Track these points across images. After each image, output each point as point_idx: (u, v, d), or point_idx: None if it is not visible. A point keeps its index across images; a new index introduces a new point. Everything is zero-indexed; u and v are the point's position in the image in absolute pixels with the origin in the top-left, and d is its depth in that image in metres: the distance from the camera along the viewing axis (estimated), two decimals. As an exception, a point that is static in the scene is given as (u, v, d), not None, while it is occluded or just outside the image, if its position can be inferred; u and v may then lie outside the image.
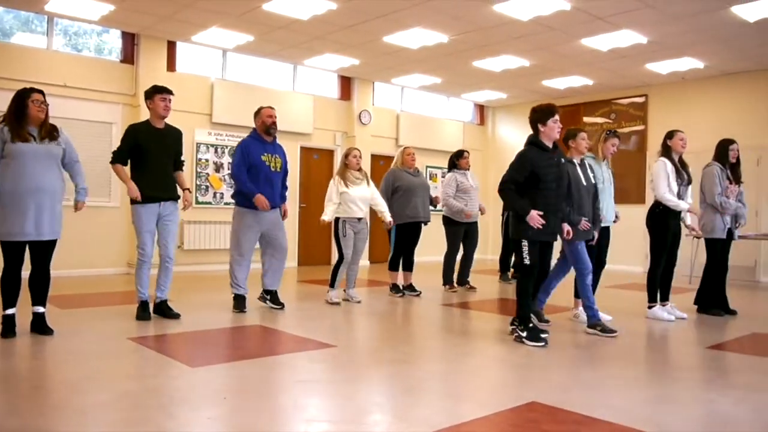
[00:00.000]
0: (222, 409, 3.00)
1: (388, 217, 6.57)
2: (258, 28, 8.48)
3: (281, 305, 5.98)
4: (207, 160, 9.74)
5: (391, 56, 9.75)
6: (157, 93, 5.22)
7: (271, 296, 6.04)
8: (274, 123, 5.86)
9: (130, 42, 9.05)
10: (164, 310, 5.36)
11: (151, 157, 5.17)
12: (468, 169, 7.62)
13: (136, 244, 5.25)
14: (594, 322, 5.04)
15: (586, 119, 11.97)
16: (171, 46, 9.34)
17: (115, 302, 6.17)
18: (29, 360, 3.96)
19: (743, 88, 10.13)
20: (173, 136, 5.40)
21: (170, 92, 5.28)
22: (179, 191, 5.37)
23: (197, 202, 9.57)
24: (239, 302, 5.81)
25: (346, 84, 11.53)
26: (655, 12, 7.38)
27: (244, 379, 3.55)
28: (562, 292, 5.92)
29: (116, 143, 8.81)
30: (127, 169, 5.24)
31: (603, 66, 9.95)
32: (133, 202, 5.11)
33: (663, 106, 11.03)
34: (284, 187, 6.03)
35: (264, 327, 5.16)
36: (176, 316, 5.32)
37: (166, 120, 5.34)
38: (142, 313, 5.26)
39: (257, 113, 5.93)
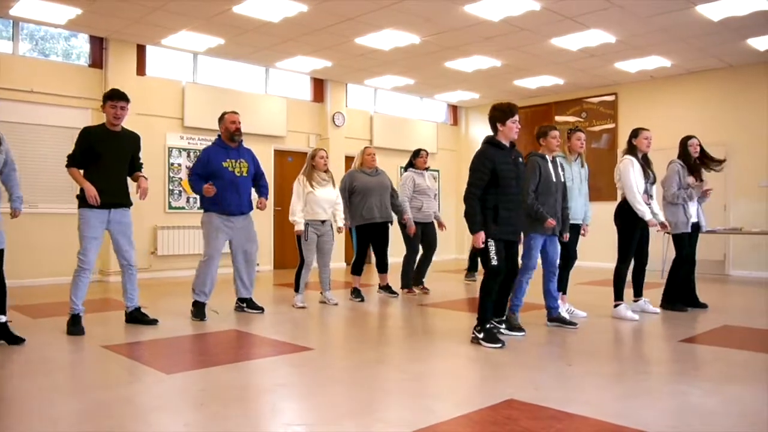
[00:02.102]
0: (199, 416, 2.97)
1: (340, 222, 6.51)
2: (229, 30, 8.42)
3: (260, 309, 5.93)
4: (179, 165, 9.64)
5: (364, 58, 9.75)
6: (108, 99, 5.03)
7: (247, 303, 5.98)
8: (238, 129, 5.76)
9: (98, 46, 8.93)
10: (139, 318, 5.27)
11: (104, 161, 4.98)
12: (426, 170, 7.48)
13: (77, 251, 4.98)
14: (510, 314, 5.10)
15: (557, 118, 12.10)
16: (140, 50, 9.23)
17: (89, 310, 6.05)
18: None
19: (709, 86, 10.33)
20: (129, 140, 5.20)
21: (124, 99, 5.03)
22: (132, 192, 5.19)
23: (170, 207, 9.48)
24: (198, 310, 5.65)
25: (318, 86, 11.50)
26: (623, 12, 7.49)
27: (221, 384, 3.52)
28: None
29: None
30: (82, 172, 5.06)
31: (573, 65, 10.07)
32: (81, 205, 4.93)
33: (633, 105, 11.20)
34: (264, 186, 5.95)
35: (240, 331, 5.12)
36: (153, 322, 5.24)
37: (124, 125, 5.18)
38: (74, 327, 4.89)
39: (221, 119, 5.83)
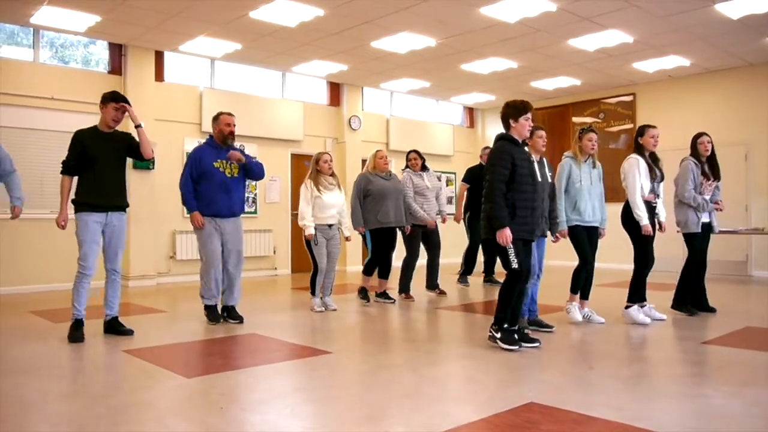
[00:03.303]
0: (219, 420, 2.99)
1: (346, 231, 6.47)
2: (245, 36, 8.48)
3: (240, 319, 5.68)
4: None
5: (380, 61, 9.77)
6: (112, 101, 4.96)
7: (227, 312, 5.76)
8: (233, 132, 5.66)
9: (117, 53, 9.03)
10: (116, 327, 5.09)
11: (98, 164, 4.90)
12: (421, 170, 7.25)
13: (77, 256, 4.90)
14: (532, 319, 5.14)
15: (575, 119, 12.03)
16: (159, 56, 9.32)
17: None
18: (20, 375, 3.93)
19: (729, 85, 10.21)
20: (121, 139, 5.08)
21: (127, 102, 5.02)
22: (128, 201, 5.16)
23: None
24: (211, 313, 5.65)
25: (335, 90, 11.54)
26: (641, 11, 7.44)
27: (241, 388, 3.54)
28: (558, 292, 5.93)
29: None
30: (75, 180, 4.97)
31: (590, 66, 10.00)
32: (78, 210, 4.85)
33: (651, 105, 11.10)
34: (257, 164, 5.76)
35: (259, 335, 5.14)
36: (129, 332, 5.06)
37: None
38: (75, 333, 4.82)
39: (215, 119, 5.72)
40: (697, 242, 5.93)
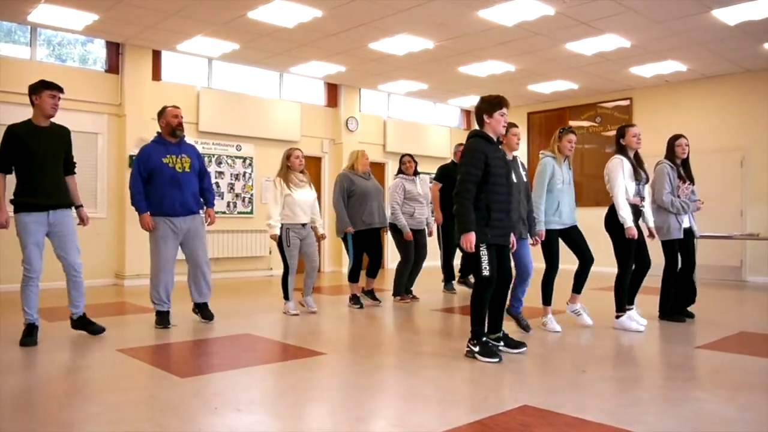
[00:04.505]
0: (213, 420, 2.98)
1: (320, 230, 6.30)
2: (243, 36, 8.47)
3: (210, 317, 5.65)
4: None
5: (377, 63, 9.77)
6: (46, 89, 4.62)
7: (200, 309, 5.71)
8: (180, 124, 5.48)
9: (114, 52, 9.01)
10: (85, 325, 4.97)
11: (36, 160, 4.60)
12: (415, 175, 7.15)
13: (21, 259, 4.64)
14: (514, 313, 5.15)
15: (571, 123, 12.05)
16: (156, 56, 9.31)
17: (105, 314, 6.10)
18: (15, 373, 3.92)
19: (725, 91, 10.24)
20: (60, 135, 4.83)
21: (61, 90, 4.72)
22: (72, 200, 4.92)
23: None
24: (162, 318, 5.44)
25: (332, 91, 11.54)
26: (638, 16, 7.46)
27: (235, 388, 3.53)
28: (556, 294, 5.92)
29: (102, 154, 8.89)
30: (11, 177, 4.67)
31: (588, 70, 10.02)
32: (18, 210, 4.58)
33: (647, 109, 11.13)
34: (207, 190, 5.63)
35: (253, 335, 5.13)
36: (100, 330, 4.95)
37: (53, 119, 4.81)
38: (27, 338, 4.60)
39: (161, 113, 5.50)
40: (677, 248, 5.74)
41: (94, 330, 4.96)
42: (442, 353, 4.52)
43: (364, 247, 6.66)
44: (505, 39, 8.45)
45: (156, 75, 9.33)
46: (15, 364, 4.11)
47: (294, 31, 8.20)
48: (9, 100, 8.00)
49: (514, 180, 4.63)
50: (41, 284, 4.72)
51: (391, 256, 7.07)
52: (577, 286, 5.51)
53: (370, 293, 6.91)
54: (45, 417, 3.04)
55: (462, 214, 4.07)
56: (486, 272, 4.13)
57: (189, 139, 9.55)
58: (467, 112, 13.99)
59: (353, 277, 6.74)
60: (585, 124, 11.96)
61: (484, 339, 4.25)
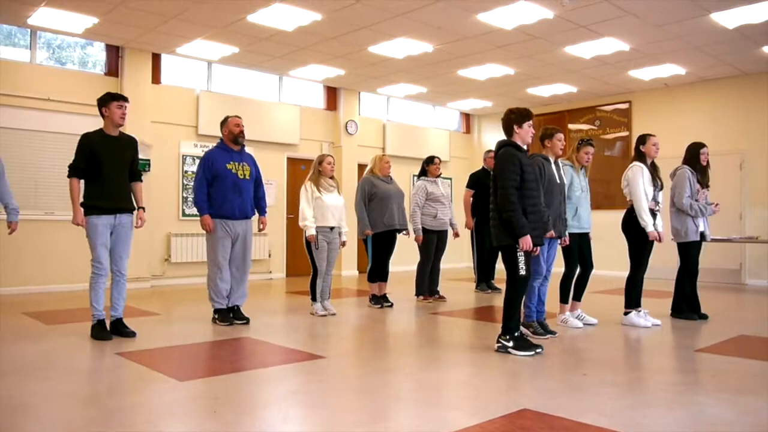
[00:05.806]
0: (212, 423, 2.98)
1: (344, 237, 6.42)
2: (243, 39, 8.48)
3: (246, 320, 5.78)
4: (193, 172, 9.69)
5: (377, 66, 9.78)
6: (114, 100, 5.01)
7: (234, 312, 5.84)
8: (242, 132, 5.81)
9: (114, 55, 9.02)
10: (120, 329, 5.07)
11: (105, 167, 4.95)
12: (438, 176, 7.37)
13: (90, 258, 4.99)
14: (528, 322, 5.13)
15: (570, 126, 12.07)
16: (156, 59, 9.32)
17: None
18: (12, 377, 3.91)
19: (724, 94, 10.26)
20: (128, 144, 5.17)
21: (126, 99, 5.09)
22: (135, 204, 5.21)
23: (183, 215, 9.53)
24: (222, 316, 5.72)
25: (332, 94, 11.55)
26: (637, 20, 7.47)
27: (234, 392, 3.53)
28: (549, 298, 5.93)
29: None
30: (83, 182, 5.03)
31: (587, 73, 10.04)
32: (88, 213, 4.91)
33: (646, 112, 11.14)
34: (262, 199, 5.96)
35: (253, 339, 5.13)
36: (132, 334, 5.05)
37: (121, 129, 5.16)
38: (100, 333, 4.94)
39: (224, 122, 5.86)
40: (693, 251, 6.01)
41: (128, 334, 5.07)
42: (442, 356, 4.52)
43: (384, 248, 6.89)
44: (505, 42, 8.46)
45: (156, 78, 9.34)
46: (12, 366, 4.11)
47: (293, 35, 8.21)
48: (9, 102, 8.02)
49: (557, 181, 4.99)
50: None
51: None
52: (577, 293, 5.71)
53: (383, 298, 7.02)
54: (43, 420, 3.03)
55: (515, 220, 4.29)
56: (522, 272, 4.36)
57: (188, 142, 9.61)
58: (466, 116, 14.00)
59: (373, 276, 6.97)
60: (584, 127, 11.97)
61: (518, 334, 4.43)
